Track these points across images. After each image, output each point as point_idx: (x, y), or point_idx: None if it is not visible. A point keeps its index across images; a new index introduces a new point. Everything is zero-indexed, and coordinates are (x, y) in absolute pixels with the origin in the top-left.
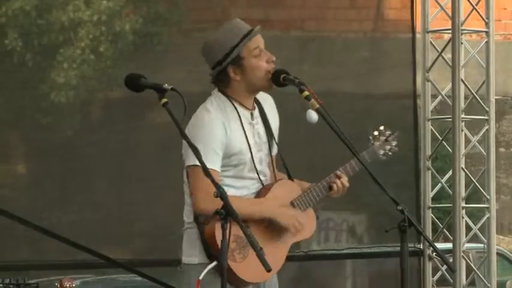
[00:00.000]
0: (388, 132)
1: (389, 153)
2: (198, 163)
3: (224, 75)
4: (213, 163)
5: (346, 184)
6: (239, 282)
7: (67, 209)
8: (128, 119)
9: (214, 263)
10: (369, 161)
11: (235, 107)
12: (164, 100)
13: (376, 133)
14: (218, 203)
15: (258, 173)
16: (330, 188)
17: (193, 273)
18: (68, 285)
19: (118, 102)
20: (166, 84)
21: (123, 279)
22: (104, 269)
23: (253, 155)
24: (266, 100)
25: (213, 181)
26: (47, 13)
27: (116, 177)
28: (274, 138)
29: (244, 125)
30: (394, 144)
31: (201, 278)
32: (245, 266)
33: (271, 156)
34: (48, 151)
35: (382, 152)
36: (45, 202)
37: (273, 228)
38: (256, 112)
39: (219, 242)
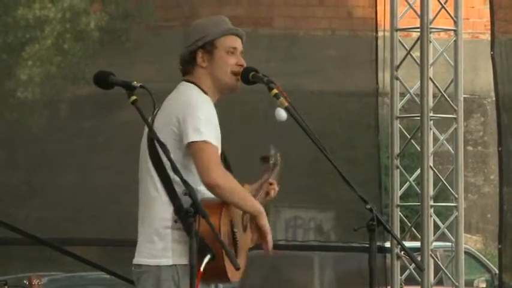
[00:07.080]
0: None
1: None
2: (209, 140)
3: (192, 56)
4: (217, 142)
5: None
6: (223, 277)
7: (34, 205)
8: (96, 116)
9: (208, 256)
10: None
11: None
12: (133, 98)
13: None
14: (229, 181)
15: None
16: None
17: (164, 274)
18: (36, 283)
19: (86, 99)
20: (135, 82)
21: (91, 277)
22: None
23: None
24: None
25: (181, 178)
26: (13, 10)
27: (83, 173)
28: None
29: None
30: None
31: (202, 268)
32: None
33: None
34: (15, 147)
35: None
36: (12, 198)
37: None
38: None
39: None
